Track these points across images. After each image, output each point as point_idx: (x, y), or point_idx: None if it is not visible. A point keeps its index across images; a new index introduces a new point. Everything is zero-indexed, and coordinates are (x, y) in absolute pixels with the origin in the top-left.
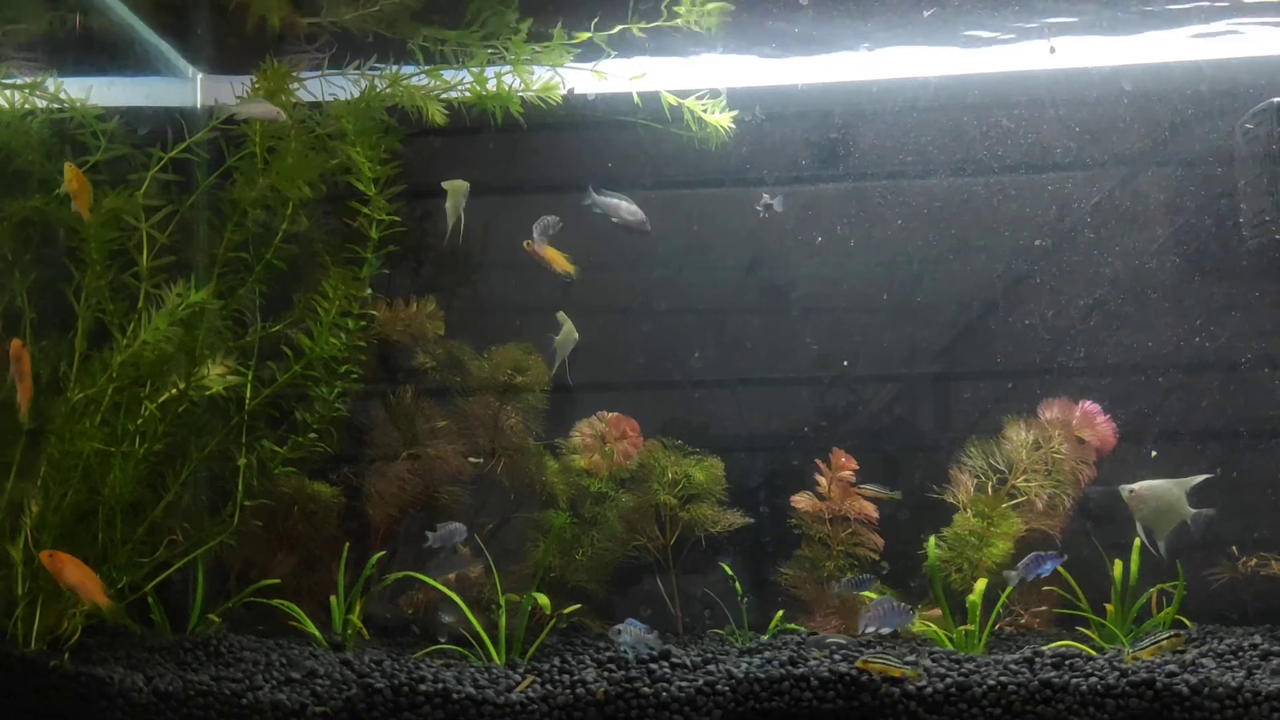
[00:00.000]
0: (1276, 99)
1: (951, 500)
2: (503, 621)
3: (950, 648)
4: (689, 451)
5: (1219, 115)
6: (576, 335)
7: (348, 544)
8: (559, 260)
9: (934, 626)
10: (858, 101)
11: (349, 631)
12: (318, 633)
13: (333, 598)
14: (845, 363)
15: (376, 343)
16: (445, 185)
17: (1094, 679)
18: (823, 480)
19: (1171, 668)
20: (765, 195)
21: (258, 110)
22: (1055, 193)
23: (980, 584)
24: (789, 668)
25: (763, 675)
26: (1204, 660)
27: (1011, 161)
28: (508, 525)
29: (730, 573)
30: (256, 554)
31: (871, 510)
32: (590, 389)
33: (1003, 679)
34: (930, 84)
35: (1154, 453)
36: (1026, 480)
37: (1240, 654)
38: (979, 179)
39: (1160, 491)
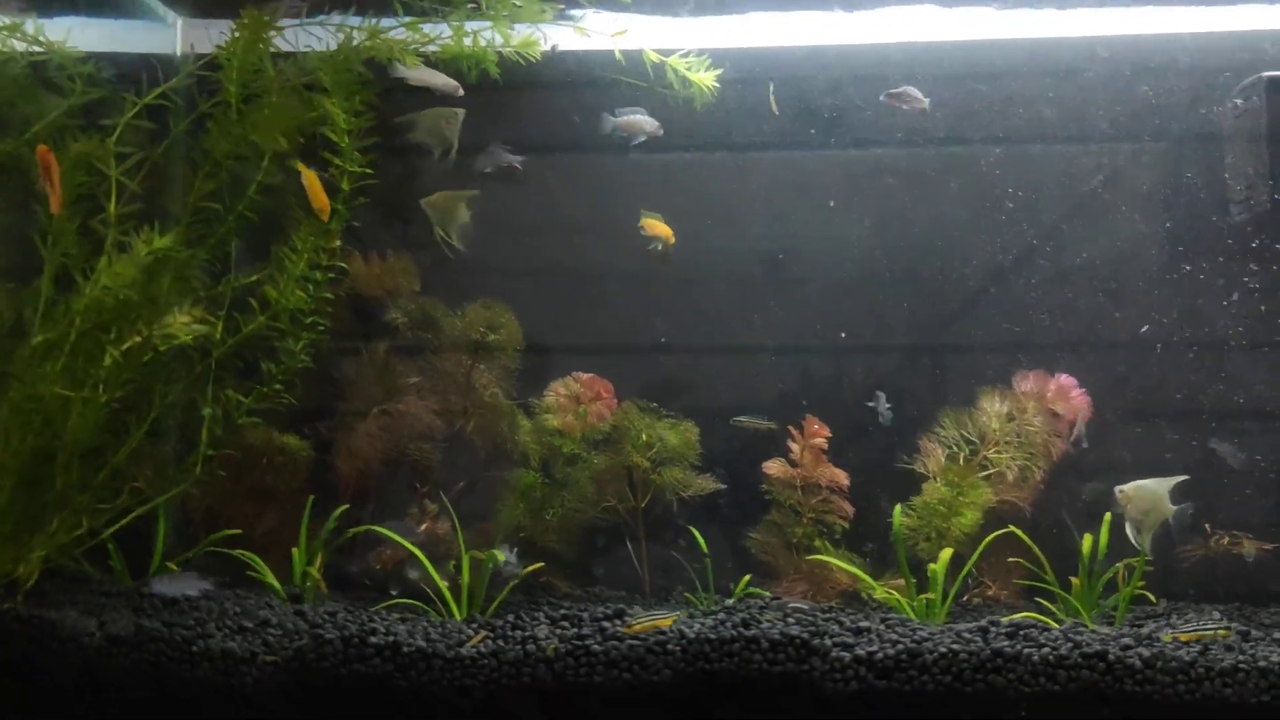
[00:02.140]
0: (1265, 74)
1: (921, 470)
2: (465, 578)
3: (912, 616)
4: (664, 415)
5: (1205, 90)
6: (467, 215)
7: (311, 497)
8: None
9: (898, 595)
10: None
11: (308, 584)
12: (277, 584)
13: (294, 550)
14: (824, 332)
15: (350, 297)
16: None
17: (1047, 649)
18: (795, 447)
19: (1127, 640)
20: None
21: (436, 81)
22: (1030, 166)
23: (945, 553)
24: (740, 629)
25: (713, 636)
26: (1159, 635)
27: (989, 133)
28: (480, 484)
29: (699, 536)
30: (223, 504)
31: (842, 478)
32: (566, 351)
33: (954, 646)
34: (912, 48)
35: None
36: (998, 451)
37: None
38: (956, 149)
39: (1146, 491)
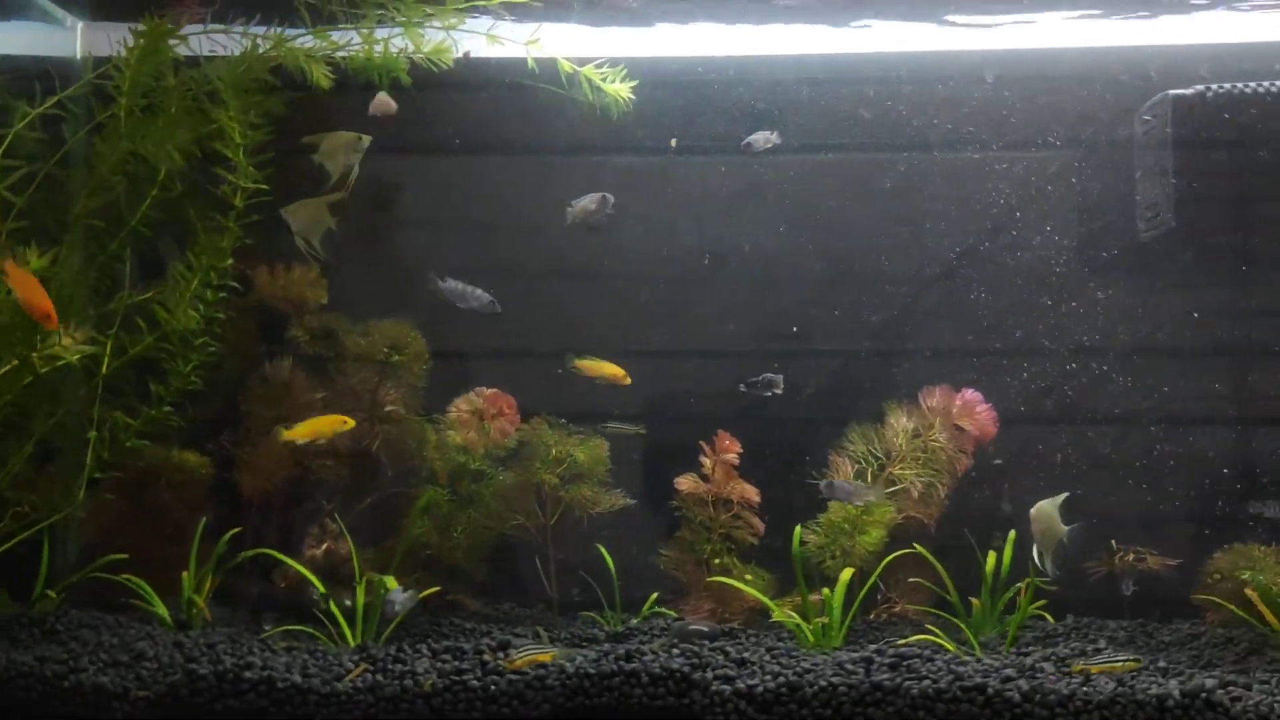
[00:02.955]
0: (1172, 91)
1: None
2: (360, 601)
3: (811, 640)
4: (573, 431)
5: (1120, 105)
6: (331, 219)
7: (205, 519)
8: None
9: (797, 617)
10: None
11: (194, 611)
12: (165, 611)
13: (184, 574)
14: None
15: (257, 309)
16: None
17: (927, 682)
18: (707, 462)
19: (1009, 672)
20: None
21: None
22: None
23: (845, 574)
24: (621, 663)
25: (593, 670)
26: (1045, 665)
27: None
28: (386, 502)
29: (606, 555)
30: (119, 526)
31: (753, 494)
32: (480, 357)
33: (835, 679)
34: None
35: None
36: (904, 468)
37: (1084, 658)
38: (869, 156)
39: (1044, 511)
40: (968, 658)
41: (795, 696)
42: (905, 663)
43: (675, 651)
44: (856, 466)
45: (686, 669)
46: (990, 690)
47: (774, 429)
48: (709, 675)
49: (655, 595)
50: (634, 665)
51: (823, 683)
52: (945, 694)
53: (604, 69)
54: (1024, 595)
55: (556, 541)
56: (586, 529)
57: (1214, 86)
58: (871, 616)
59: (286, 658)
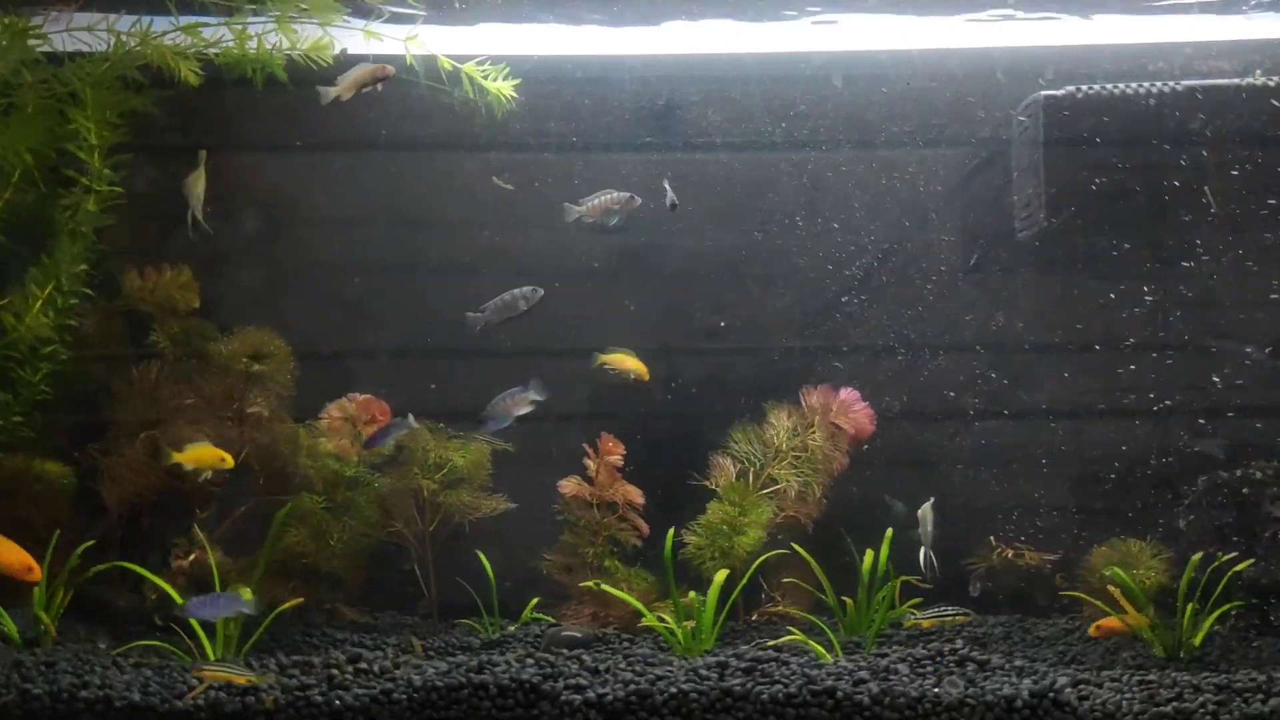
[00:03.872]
0: (1044, 92)
1: (711, 486)
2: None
3: (681, 645)
4: (453, 435)
5: (997, 105)
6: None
7: (57, 533)
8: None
9: (671, 621)
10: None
11: (41, 629)
12: (14, 627)
13: (36, 590)
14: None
15: (126, 313)
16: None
17: (778, 686)
18: (591, 464)
19: (862, 674)
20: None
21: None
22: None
23: (719, 575)
24: (470, 674)
25: (441, 684)
26: (899, 666)
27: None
28: (257, 511)
29: (485, 561)
30: None
31: (637, 495)
32: (360, 358)
33: (686, 685)
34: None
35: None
36: (782, 467)
37: (939, 659)
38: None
39: (922, 513)
40: (828, 660)
41: (645, 704)
42: (760, 667)
43: (529, 661)
44: (739, 466)
45: (537, 679)
46: (840, 694)
47: (661, 429)
48: (559, 685)
49: (535, 601)
50: (483, 677)
51: (674, 689)
52: (795, 698)
53: (485, 66)
54: (897, 594)
55: (444, 547)
56: (470, 534)
57: (1084, 87)
58: (754, 617)
59: (129, 675)
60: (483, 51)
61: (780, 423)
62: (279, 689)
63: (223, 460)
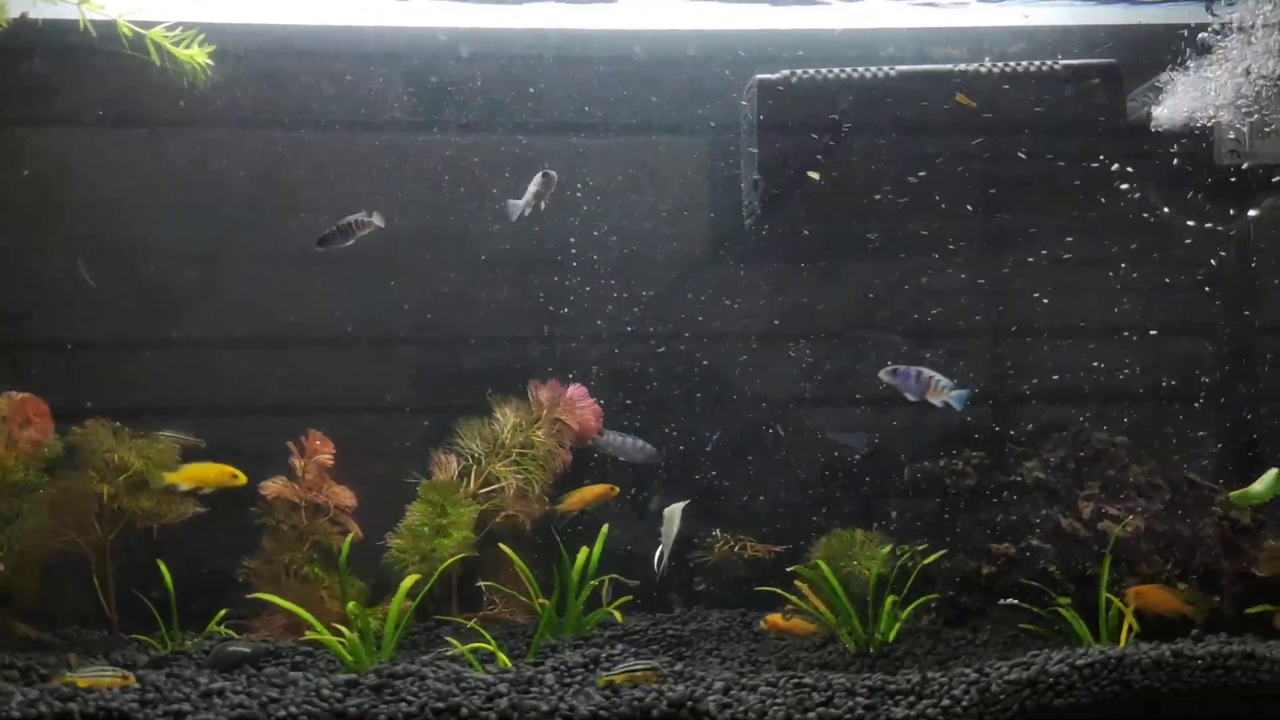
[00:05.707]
0: (759, 76)
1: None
2: None
3: (349, 658)
4: (140, 433)
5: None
6: None
7: None
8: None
9: (347, 631)
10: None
11: None
12: None
13: None
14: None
15: None
16: None
17: (401, 705)
18: (298, 464)
19: (501, 688)
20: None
21: None
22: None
23: (406, 582)
24: (56, 703)
25: (19, 715)
26: (546, 675)
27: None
28: None
29: (165, 570)
30: None
31: (348, 497)
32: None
33: (302, 709)
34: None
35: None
36: (505, 464)
37: (592, 667)
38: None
39: (669, 513)
40: (478, 671)
41: None
42: (395, 683)
43: (135, 685)
44: (463, 464)
45: (131, 706)
46: (464, 711)
47: (379, 426)
48: (155, 713)
49: (224, 612)
50: (69, 706)
51: (284, 713)
52: (416, 718)
53: (177, 32)
54: (605, 593)
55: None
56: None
57: (799, 71)
58: (469, 624)
59: None
60: (175, 18)
61: (506, 418)
62: None
63: (235, 477)
